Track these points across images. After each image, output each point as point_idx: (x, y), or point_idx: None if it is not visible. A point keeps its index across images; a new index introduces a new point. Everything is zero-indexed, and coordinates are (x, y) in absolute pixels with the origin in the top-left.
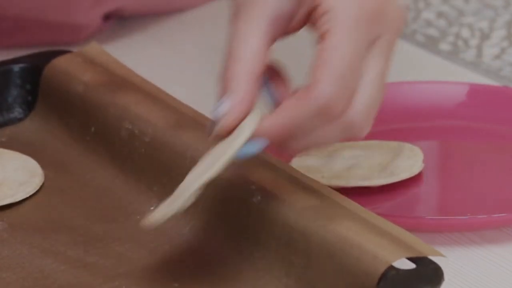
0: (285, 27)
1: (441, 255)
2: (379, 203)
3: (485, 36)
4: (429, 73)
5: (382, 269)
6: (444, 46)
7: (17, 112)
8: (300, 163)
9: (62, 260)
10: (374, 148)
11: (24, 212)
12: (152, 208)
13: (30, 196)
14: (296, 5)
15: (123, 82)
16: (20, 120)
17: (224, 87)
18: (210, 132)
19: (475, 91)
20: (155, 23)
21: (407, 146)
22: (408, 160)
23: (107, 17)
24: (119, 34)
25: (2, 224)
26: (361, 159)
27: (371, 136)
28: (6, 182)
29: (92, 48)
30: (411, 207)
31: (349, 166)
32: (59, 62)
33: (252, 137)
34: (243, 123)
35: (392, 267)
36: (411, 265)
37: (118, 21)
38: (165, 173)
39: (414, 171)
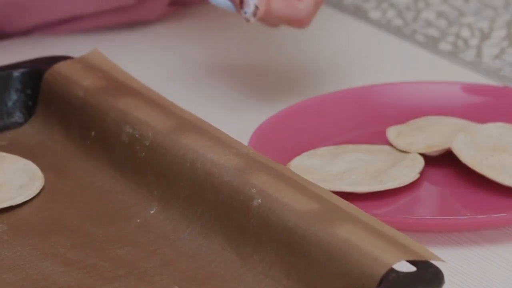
0: None
1: (441, 260)
2: (375, 208)
3: (485, 36)
4: (429, 73)
5: (382, 271)
6: (444, 46)
7: (17, 116)
8: (300, 163)
9: (62, 262)
10: (381, 153)
11: (24, 214)
12: (152, 211)
13: (30, 199)
14: None
15: (123, 86)
16: (20, 124)
17: None
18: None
19: (475, 91)
20: (154, 25)
21: (412, 155)
22: (403, 169)
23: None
24: (119, 37)
25: (2, 226)
26: (362, 163)
27: (369, 135)
28: (6, 185)
29: (93, 54)
30: (410, 208)
31: (346, 170)
32: (60, 67)
33: None
34: None
35: (392, 270)
36: (412, 268)
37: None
38: (166, 177)
39: (404, 181)
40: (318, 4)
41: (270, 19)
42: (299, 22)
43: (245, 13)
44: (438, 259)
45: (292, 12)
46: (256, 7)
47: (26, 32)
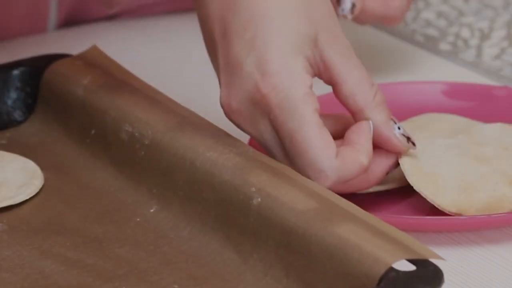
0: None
1: (441, 258)
2: (375, 208)
3: (485, 36)
4: (429, 73)
5: (382, 270)
6: (444, 46)
7: (17, 114)
8: None
9: (62, 261)
10: None
11: (24, 213)
12: (152, 210)
13: (30, 198)
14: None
15: (123, 84)
16: (20, 122)
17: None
18: None
19: (475, 91)
20: (155, 23)
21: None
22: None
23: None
24: (119, 34)
25: (2, 225)
26: None
27: None
28: (6, 184)
29: (93, 51)
30: (410, 208)
31: None
32: (59, 65)
33: None
34: None
35: (392, 269)
36: (411, 267)
37: (118, 21)
38: (165, 176)
39: (404, 181)
40: (410, 1)
41: (364, 17)
42: (393, 20)
43: (343, 10)
44: (438, 257)
45: (386, 10)
46: (353, 4)
47: (109, 18)
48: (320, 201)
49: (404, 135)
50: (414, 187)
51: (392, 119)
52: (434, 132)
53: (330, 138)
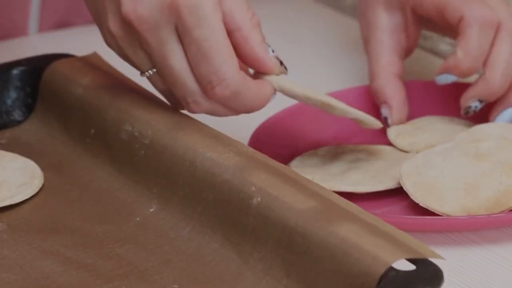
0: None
1: (441, 257)
2: (375, 208)
3: None
4: (429, 73)
5: (382, 270)
6: (444, 46)
7: (17, 114)
8: (300, 163)
9: (61, 261)
10: (381, 153)
11: (24, 213)
12: (151, 210)
13: (30, 198)
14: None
15: (123, 84)
16: (20, 122)
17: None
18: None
19: None
20: None
21: (412, 155)
22: None
23: None
24: None
25: (2, 225)
26: (362, 163)
27: (369, 135)
28: (5, 184)
29: (92, 57)
30: (410, 209)
31: (347, 169)
32: (59, 65)
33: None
34: None
35: (392, 268)
36: (411, 267)
37: None
38: (165, 175)
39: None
40: None
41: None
42: (493, 96)
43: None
44: (438, 256)
45: (487, 88)
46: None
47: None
48: (320, 200)
49: (277, 58)
50: (420, 204)
51: (266, 43)
52: (434, 133)
53: (233, 51)
